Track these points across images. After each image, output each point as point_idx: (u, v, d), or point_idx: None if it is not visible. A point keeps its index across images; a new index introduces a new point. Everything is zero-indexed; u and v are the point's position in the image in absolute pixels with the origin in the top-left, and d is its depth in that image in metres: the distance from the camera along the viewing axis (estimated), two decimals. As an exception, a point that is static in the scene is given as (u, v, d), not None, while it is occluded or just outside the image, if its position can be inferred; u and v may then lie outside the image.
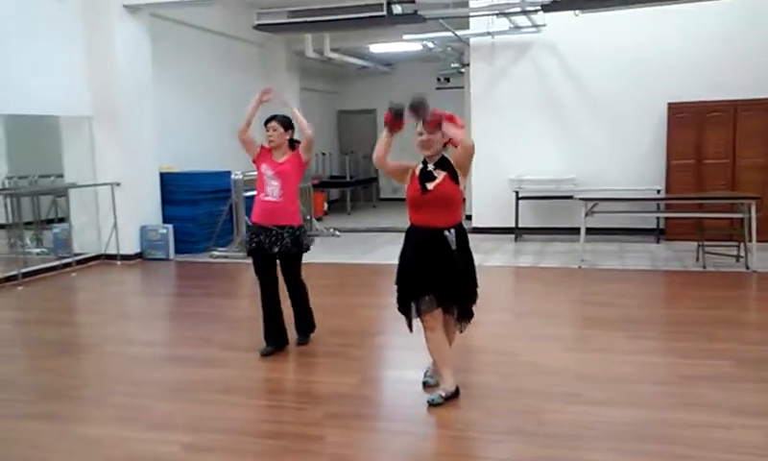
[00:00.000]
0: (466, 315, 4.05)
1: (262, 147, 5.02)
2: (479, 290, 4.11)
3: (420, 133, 3.87)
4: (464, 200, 4.04)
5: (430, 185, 3.86)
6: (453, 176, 3.89)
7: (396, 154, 3.99)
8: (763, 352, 4.87)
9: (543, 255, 8.97)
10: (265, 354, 4.94)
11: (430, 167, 3.90)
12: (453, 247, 3.87)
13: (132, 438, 3.74)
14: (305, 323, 5.14)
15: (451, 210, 3.92)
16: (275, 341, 5.00)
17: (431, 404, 3.96)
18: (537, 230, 10.35)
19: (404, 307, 4.03)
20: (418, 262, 3.93)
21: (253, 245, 4.89)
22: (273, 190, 4.86)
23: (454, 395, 4.04)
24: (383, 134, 3.96)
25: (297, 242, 4.88)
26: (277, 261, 4.95)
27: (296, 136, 5.11)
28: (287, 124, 4.99)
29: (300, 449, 3.54)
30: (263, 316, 5.03)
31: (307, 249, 5.00)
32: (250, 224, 5.02)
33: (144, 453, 3.56)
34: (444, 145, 3.93)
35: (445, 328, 4.06)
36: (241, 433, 3.77)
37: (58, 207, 9.97)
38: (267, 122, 4.99)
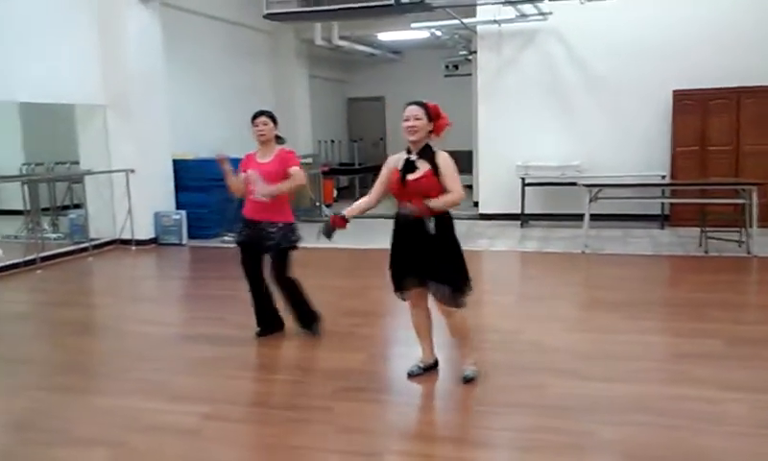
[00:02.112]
0: (441, 299, 4.05)
1: (245, 157, 5.06)
2: (471, 278, 4.12)
3: (407, 119, 3.96)
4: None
5: (411, 177, 3.95)
6: (437, 171, 3.94)
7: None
8: (755, 332, 5.06)
9: (548, 241, 9.13)
10: (259, 335, 5.14)
11: (413, 157, 3.98)
12: (431, 233, 3.96)
13: (151, 409, 3.97)
14: (302, 317, 5.10)
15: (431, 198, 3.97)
16: (265, 325, 5.17)
17: (410, 375, 4.26)
18: (542, 217, 10.50)
19: (396, 285, 4.19)
20: (399, 247, 4.11)
21: (243, 236, 4.98)
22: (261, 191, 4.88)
23: (432, 366, 4.34)
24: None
25: (286, 238, 4.90)
26: (266, 257, 5.00)
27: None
28: (275, 118, 5.02)
29: (310, 419, 3.75)
30: (253, 303, 5.15)
31: (295, 246, 4.96)
32: (242, 216, 5.06)
33: (163, 423, 3.79)
34: (429, 133, 4.00)
35: (446, 318, 4.16)
36: (256, 405, 3.99)
37: (73, 194, 10.22)
38: (255, 117, 4.97)
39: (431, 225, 3.96)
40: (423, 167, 3.96)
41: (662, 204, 9.71)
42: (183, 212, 9.63)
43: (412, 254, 4.04)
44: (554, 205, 10.52)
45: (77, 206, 9.94)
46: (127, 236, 9.36)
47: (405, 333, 5.33)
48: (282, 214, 4.94)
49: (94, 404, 4.11)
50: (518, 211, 10.34)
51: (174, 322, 6.10)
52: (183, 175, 9.92)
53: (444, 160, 3.98)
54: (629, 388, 4.04)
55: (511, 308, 6.03)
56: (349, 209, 4.29)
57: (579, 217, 8.64)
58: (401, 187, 3.98)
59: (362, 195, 14.11)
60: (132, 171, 9.25)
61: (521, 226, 10.25)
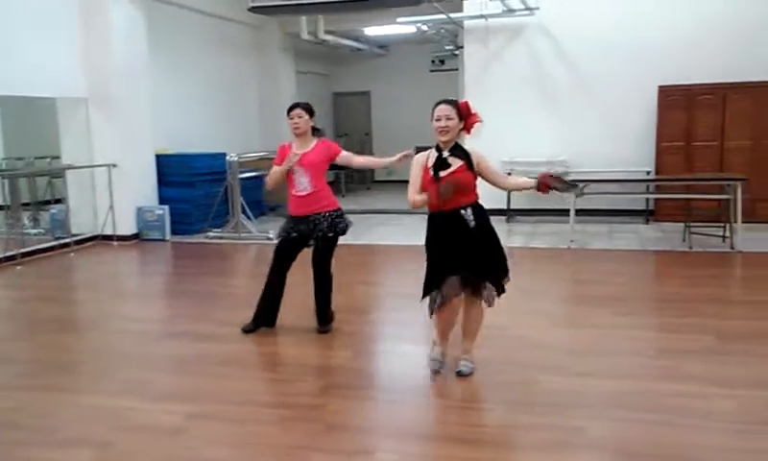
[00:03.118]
0: (496, 286, 4.06)
1: (281, 148, 4.98)
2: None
3: (438, 119, 3.95)
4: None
5: (443, 173, 3.93)
6: (470, 166, 3.98)
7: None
8: (743, 328, 5.06)
9: (534, 236, 9.14)
10: (247, 331, 5.06)
11: (445, 154, 3.97)
12: (471, 225, 3.93)
13: (135, 408, 3.89)
14: (325, 313, 5.08)
15: (466, 193, 3.96)
16: (263, 322, 5.11)
17: (436, 372, 4.16)
18: (528, 212, 10.49)
19: (432, 290, 4.05)
20: (439, 246, 4.02)
21: (293, 234, 4.89)
22: (303, 185, 4.84)
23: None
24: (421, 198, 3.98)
25: (332, 226, 4.87)
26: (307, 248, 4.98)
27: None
28: (311, 110, 4.96)
29: (298, 417, 3.70)
30: (262, 296, 5.09)
31: (343, 232, 4.96)
32: (288, 215, 4.99)
33: (147, 422, 3.72)
34: (459, 131, 4.01)
35: (470, 307, 4.14)
36: (241, 403, 3.92)
37: (54, 189, 10.08)
38: (290, 110, 4.91)
39: (470, 217, 3.93)
40: (456, 163, 3.95)
41: (647, 199, 9.75)
42: (166, 207, 9.53)
43: (453, 253, 3.96)
44: (540, 200, 10.41)
45: (58, 201, 9.81)
46: (109, 232, 9.23)
47: (391, 330, 5.33)
48: (329, 202, 4.93)
49: (78, 403, 4.03)
50: (505, 207, 10.33)
51: (157, 319, 6.02)
52: (167, 169, 9.81)
53: (479, 155, 4.03)
54: (618, 384, 4.02)
55: (498, 304, 5.94)
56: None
57: (565, 212, 8.63)
58: (435, 184, 3.93)
59: (347, 190, 14.09)
60: (115, 166, 9.12)
61: (507, 221, 10.23)
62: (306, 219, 4.86)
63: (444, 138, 3.97)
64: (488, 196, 11.16)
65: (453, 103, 4.00)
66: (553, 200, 9.91)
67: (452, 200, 3.90)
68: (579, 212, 8.55)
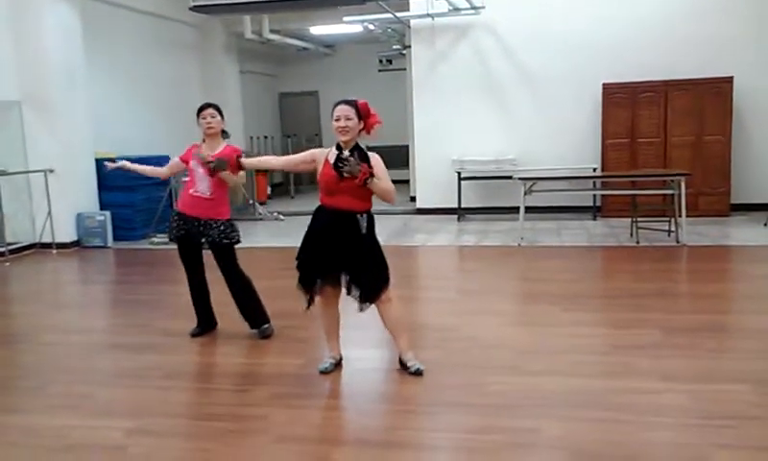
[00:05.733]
0: (368, 297, 4.05)
1: (192, 146, 4.93)
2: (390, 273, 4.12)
3: (337, 119, 3.94)
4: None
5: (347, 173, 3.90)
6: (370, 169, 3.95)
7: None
8: (690, 321, 5.12)
9: (485, 235, 9.13)
10: (193, 335, 5.02)
11: (346, 153, 3.94)
12: (363, 231, 3.97)
13: (73, 426, 3.69)
14: (252, 315, 4.96)
15: (364, 198, 3.98)
16: (203, 323, 5.06)
17: (324, 372, 4.20)
18: (479, 210, 10.52)
19: (307, 284, 4.13)
20: (320, 244, 4.05)
21: (181, 233, 4.81)
22: (203, 187, 4.73)
23: (339, 361, 4.33)
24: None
25: (224, 235, 4.76)
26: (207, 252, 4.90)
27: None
28: (221, 111, 4.93)
29: (244, 430, 3.56)
30: (192, 300, 5.05)
31: (237, 242, 4.86)
32: (175, 211, 4.90)
33: (86, 441, 3.53)
34: (359, 132, 4.01)
35: (379, 307, 4.12)
36: (184, 417, 3.76)
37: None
38: (202, 110, 4.84)
39: (364, 223, 3.96)
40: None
41: (594, 195, 9.86)
42: (107, 213, 9.21)
43: (338, 252, 3.99)
44: (490, 198, 10.55)
45: (-8, 209, 9.36)
46: (47, 239, 8.88)
47: (342, 335, 5.17)
48: (220, 211, 4.80)
49: (14, 424, 3.80)
50: (455, 205, 10.33)
51: (98, 329, 5.75)
52: (107, 174, 9.43)
53: (376, 161, 4.01)
54: (572, 382, 3.99)
55: (449, 304, 5.94)
56: (249, 161, 4.57)
57: (515, 210, 8.66)
58: (336, 183, 3.90)
59: (297, 192, 13.85)
60: (52, 171, 8.78)
61: (458, 220, 10.23)
62: (196, 221, 4.76)
63: (344, 138, 3.97)
64: (437, 195, 11.12)
65: (353, 103, 3.99)
66: (503, 198, 10.05)
67: (346, 201, 3.91)
68: (529, 210, 8.59)
